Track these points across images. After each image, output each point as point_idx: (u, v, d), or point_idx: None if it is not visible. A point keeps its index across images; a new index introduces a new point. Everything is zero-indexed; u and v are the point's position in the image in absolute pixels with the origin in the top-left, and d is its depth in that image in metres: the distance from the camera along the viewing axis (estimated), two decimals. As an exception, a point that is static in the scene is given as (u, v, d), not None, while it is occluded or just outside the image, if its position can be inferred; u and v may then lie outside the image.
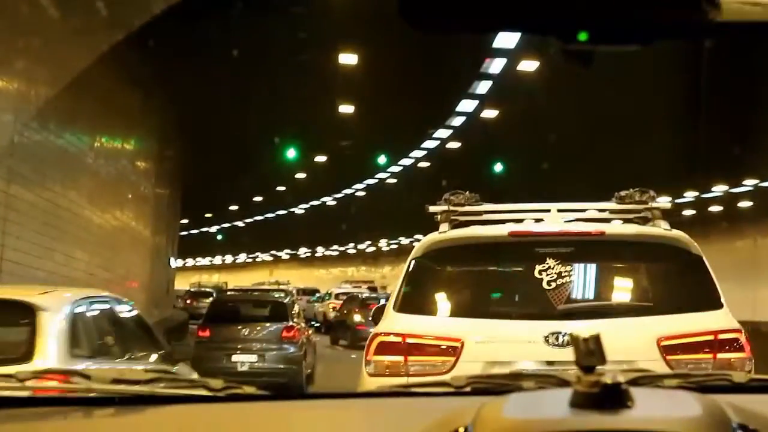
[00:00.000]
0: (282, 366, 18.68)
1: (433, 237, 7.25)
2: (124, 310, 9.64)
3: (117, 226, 27.69)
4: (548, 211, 7.52)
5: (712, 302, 6.79)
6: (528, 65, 28.07)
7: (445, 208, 7.55)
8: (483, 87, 31.79)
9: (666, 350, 6.49)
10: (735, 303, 7.06)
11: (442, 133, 40.46)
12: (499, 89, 31.24)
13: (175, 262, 43.53)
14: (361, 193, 61.10)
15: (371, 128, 37.45)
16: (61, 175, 21.50)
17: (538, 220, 7.55)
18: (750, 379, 2.82)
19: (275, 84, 31.31)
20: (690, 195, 47.37)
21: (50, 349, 7.55)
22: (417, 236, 7.40)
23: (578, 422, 1.78)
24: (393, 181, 54.39)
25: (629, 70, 24.36)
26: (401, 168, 50.39)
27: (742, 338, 6.62)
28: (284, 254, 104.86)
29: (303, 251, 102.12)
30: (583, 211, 7.75)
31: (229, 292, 28.45)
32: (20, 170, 18.70)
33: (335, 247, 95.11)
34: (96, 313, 8.78)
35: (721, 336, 6.57)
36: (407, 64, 27.36)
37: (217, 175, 50.02)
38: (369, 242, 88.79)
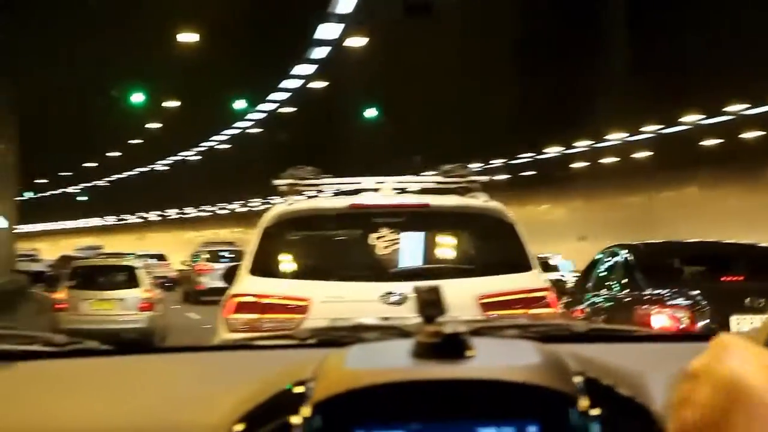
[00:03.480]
0: None
1: (282, 208, 8.09)
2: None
3: None
4: (384, 183, 8.26)
5: (523, 265, 7.90)
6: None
7: (290, 181, 8.22)
8: (347, 5, 27.03)
9: (485, 307, 7.50)
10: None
11: (306, 69, 35.85)
12: (366, 11, 26.77)
13: (5, 223, 39.29)
14: (226, 146, 57.13)
15: (223, 64, 32.96)
16: None
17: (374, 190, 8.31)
18: (589, 329, 3.03)
19: (102, 11, 26.74)
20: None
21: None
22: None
23: (419, 372, 1.83)
24: (257, 130, 50.12)
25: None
26: (265, 114, 46.16)
27: (550, 296, 7.86)
28: (153, 216, 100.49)
29: (174, 212, 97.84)
30: (415, 183, 9.02)
31: None
32: None
33: (207, 207, 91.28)
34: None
35: (531, 294, 7.73)
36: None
37: (62, 128, 45.77)
38: (241, 201, 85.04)
